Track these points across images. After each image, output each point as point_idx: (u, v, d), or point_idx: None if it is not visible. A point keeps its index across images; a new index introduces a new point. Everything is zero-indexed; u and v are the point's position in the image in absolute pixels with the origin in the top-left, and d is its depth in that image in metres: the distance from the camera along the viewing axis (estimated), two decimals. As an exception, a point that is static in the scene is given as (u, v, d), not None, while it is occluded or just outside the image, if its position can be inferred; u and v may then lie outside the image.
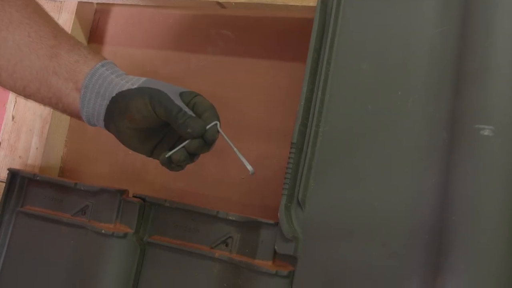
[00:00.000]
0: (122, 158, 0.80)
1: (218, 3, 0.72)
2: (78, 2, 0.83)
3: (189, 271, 0.61)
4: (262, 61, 0.76)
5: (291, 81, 0.72)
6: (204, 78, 0.79)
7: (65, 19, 0.82)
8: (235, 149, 0.52)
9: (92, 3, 0.85)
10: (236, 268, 0.58)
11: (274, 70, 0.74)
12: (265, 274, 0.55)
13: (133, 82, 0.53)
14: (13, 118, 0.83)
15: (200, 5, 0.75)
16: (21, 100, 0.83)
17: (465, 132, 0.50)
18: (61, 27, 0.57)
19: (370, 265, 0.52)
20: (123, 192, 0.65)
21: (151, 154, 0.55)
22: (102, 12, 0.87)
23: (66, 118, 0.84)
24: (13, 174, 0.73)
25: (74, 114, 0.56)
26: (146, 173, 0.78)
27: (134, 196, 0.66)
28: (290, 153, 0.56)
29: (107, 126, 0.54)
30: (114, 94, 0.52)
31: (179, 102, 0.51)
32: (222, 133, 0.52)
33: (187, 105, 0.52)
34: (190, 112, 0.51)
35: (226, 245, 0.60)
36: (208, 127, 0.51)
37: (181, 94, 0.53)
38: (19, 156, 0.81)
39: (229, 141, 0.52)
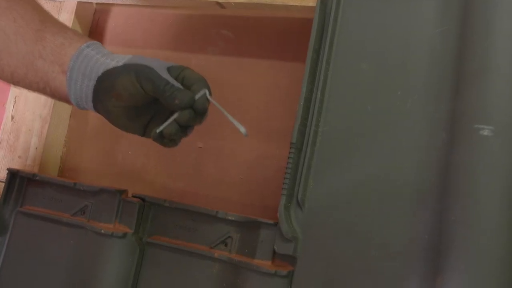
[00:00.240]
0: (121, 158, 0.80)
1: (218, 3, 0.72)
2: (78, 2, 0.83)
3: (189, 271, 0.61)
4: (262, 61, 0.76)
5: (291, 81, 0.72)
6: (204, 78, 0.79)
7: (65, 19, 0.82)
8: (225, 113, 0.50)
9: (91, 3, 0.85)
10: (235, 268, 0.58)
11: (274, 70, 0.74)
12: (265, 274, 0.55)
13: (119, 59, 0.52)
14: (12, 118, 0.83)
15: (199, 5, 0.75)
16: (21, 100, 0.83)
17: (464, 132, 0.49)
18: (48, 12, 0.56)
19: (369, 265, 0.52)
20: (122, 192, 0.65)
21: (143, 133, 0.54)
22: (102, 12, 0.87)
23: (65, 118, 0.84)
24: (12, 174, 0.73)
25: (63, 98, 0.55)
26: (145, 173, 0.78)
27: (133, 196, 0.66)
28: (289, 153, 0.56)
29: (96, 108, 0.53)
30: (100, 74, 0.51)
31: (166, 76, 0.50)
32: (212, 101, 0.50)
33: (176, 79, 0.51)
34: (178, 85, 0.50)
35: (226, 245, 0.60)
36: (197, 96, 0.49)
37: (169, 69, 0.52)
38: (19, 156, 0.81)
39: (220, 107, 0.50)
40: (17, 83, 0.54)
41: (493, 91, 0.49)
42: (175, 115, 0.50)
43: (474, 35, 0.51)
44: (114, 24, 0.86)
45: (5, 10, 0.52)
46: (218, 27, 0.79)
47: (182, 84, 0.51)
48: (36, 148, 0.80)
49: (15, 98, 0.83)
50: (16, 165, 0.80)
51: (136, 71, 0.50)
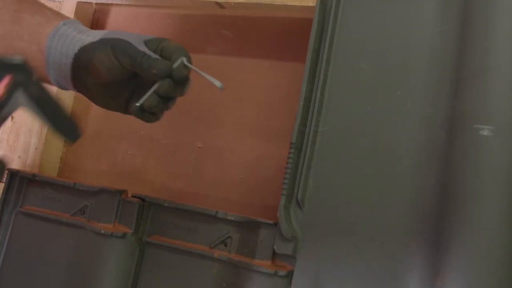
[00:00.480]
0: (121, 158, 0.80)
1: (217, 3, 0.72)
2: (78, 2, 0.83)
3: (188, 271, 0.61)
4: (262, 61, 0.76)
5: (291, 81, 0.72)
6: (204, 78, 0.79)
7: (65, 19, 0.82)
8: (201, 72, 0.49)
9: (91, 3, 0.85)
10: (235, 268, 0.58)
11: (274, 70, 0.74)
12: (264, 274, 0.55)
13: (95, 35, 0.51)
14: (12, 118, 0.83)
15: (199, 5, 0.75)
16: (21, 100, 0.82)
17: (464, 132, 0.49)
18: None
19: (369, 265, 0.51)
20: (122, 192, 0.65)
21: (126, 110, 0.53)
22: (101, 12, 0.87)
23: (65, 118, 0.84)
24: (12, 174, 0.73)
25: (44, 79, 0.52)
26: (145, 173, 0.78)
27: (133, 196, 0.66)
28: (289, 153, 0.56)
29: (76, 87, 0.52)
30: (76, 51, 0.50)
31: (143, 49, 0.49)
32: (191, 66, 0.49)
33: (154, 51, 0.50)
34: (156, 56, 0.48)
35: (225, 245, 0.60)
36: (175, 65, 0.48)
37: (147, 42, 0.50)
38: (18, 156, 0.81)
39: (198, 70, 0.49)
40: None
41: (493, 91, 0.49)
42: (154, 86, 0.48)
43: (474, 35, 0.51)
44: (113, 24, 0.86)
45: None
46: (217, 27, 0.79)
47: (160, 56, 0.49)
48: (36, 148, 0.80)
49: (15, 98, 0.83)
50: (16, 165, 0.80)
51: (112, 45, 0.48)
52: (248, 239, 0.59)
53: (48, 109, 0.42)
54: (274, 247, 0.55)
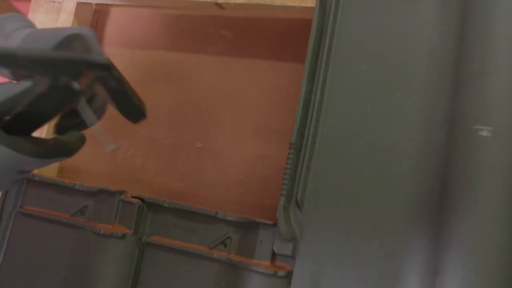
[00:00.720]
0: (121, 159, 0.80)
1: (217, 4, 0.72)
2: (77, 2, 0.83)
3: (188, 271, 0.61)
4: (262, 62, 0.76)
5: (291, 82, 0.72)
6: (204, 79, 0.79)
7: (64, 20, 0.82)
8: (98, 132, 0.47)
9: (91, 3, 0.85)
10: (234, 269, 0.58)
11: (274, 71, 0.74)
12: (264, 275, 0.55)
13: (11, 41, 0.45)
14: (12, 118, 0.83)
15: (198, 6, 0.75)
16: (20, 101, 0.82)
17: (464, 133, 0.50)
18: None
19: (369, 265, 0.52)
20: (122, 192, 0.65)
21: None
22: (101, 13, 0.87)
23: (65, 119, 0.84)
24: (12, 175, 0.73)
25: None
26: (145, 174, 0.78)
27: (133, 197, 0.66)
28: (288, 153, 0.56)
29: None
30: None
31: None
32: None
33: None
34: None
35: (225, 246, 0.60)
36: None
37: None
38: (18, 157, 0.81)
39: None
40: None
41: (492, 92, 0.49)
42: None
43: (473, 36, 0.51)
44: (113, 24, 0.86)
45: None
46: (217, 27, 0.79)
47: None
48: (36, 148, 0.80)
49: (14, 99, 0.83)
50: (15, 166, 0.80)
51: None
52: (247, 240, 0.59)
53: (120, 99, 0.43)
54: (274, 247, 0.55)
